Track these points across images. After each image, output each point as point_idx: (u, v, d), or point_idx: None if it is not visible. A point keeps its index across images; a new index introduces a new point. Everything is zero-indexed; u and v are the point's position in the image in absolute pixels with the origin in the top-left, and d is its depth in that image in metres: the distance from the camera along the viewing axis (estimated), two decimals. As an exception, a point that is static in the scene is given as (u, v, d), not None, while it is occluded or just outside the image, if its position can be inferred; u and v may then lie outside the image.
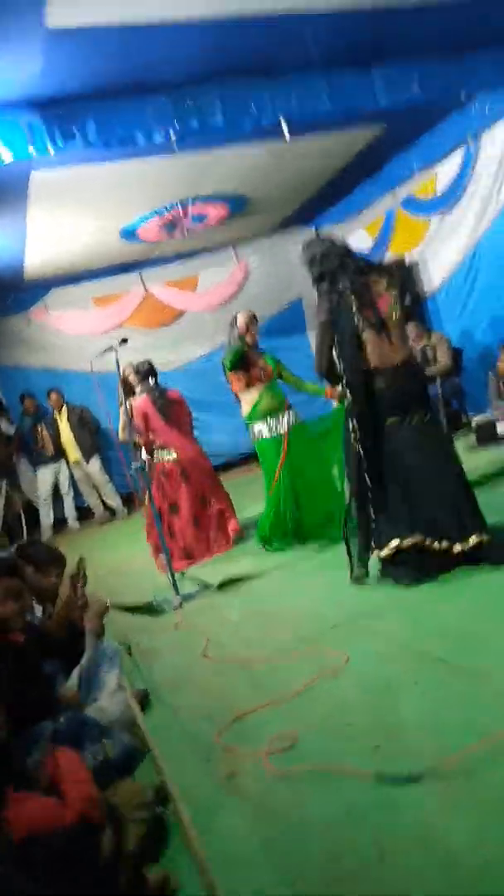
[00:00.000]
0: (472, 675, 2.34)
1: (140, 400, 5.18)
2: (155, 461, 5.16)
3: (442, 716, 2.16)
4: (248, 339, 4.76)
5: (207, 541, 5.13)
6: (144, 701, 2.77)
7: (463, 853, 1.58)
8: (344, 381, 3.49)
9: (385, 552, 3.33)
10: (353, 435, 3.45)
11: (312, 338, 9.64)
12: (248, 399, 4.77)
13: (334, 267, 3.49)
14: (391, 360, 3.41)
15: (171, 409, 5.25)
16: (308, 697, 2.52)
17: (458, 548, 3.26)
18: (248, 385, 4.75)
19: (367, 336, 3.40)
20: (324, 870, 1.66)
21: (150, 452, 5.15)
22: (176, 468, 5.15)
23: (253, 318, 4.82)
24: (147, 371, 5.30)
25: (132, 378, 5.29)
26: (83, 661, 2.51)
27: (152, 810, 1.96)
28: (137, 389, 5.29)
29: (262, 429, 4.75)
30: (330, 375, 3.61)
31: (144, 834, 1.86)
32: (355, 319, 3.40)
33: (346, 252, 3.57)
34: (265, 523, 4.75)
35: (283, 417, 4.74)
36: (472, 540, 3.25)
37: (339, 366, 3.49)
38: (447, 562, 3.30)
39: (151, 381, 5.30)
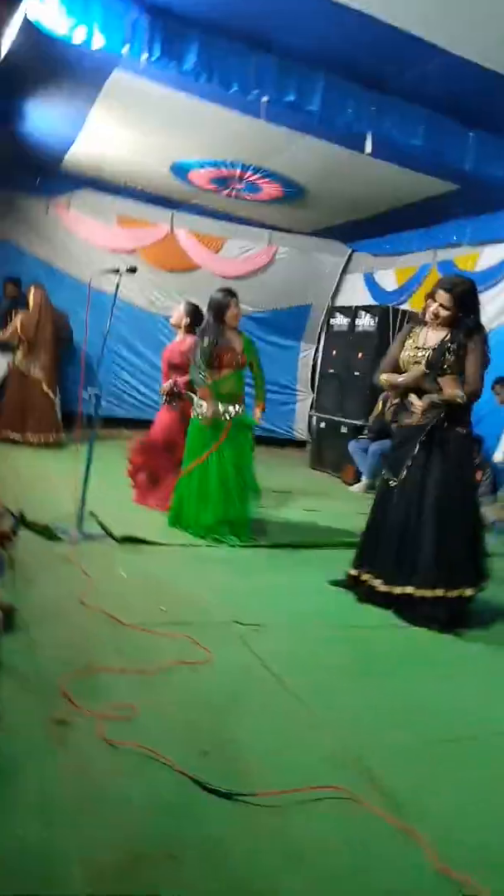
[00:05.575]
0: (321, 722, 2.38)
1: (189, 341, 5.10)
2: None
3: (277, 750, 2.18)
4: (231, 318, 4.63)
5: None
6: (9, 616, 2.69)
7: (244, 879, 1.61)
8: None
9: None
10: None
11: (304, 345, 9.66)
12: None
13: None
14: None
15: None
16: (162, 680, 2.52)
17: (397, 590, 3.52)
18: (218, 367, 4.59)
19: None
20: (106, 847, 1.65)
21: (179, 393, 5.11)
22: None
23: (235, 298, 4.71)
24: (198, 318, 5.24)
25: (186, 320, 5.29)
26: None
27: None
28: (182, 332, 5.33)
29: (208, 409, 4.57)
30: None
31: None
32: None
33: None
34: (182, 503, 4.62)
35: (232, 407, 4.62)
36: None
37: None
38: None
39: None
